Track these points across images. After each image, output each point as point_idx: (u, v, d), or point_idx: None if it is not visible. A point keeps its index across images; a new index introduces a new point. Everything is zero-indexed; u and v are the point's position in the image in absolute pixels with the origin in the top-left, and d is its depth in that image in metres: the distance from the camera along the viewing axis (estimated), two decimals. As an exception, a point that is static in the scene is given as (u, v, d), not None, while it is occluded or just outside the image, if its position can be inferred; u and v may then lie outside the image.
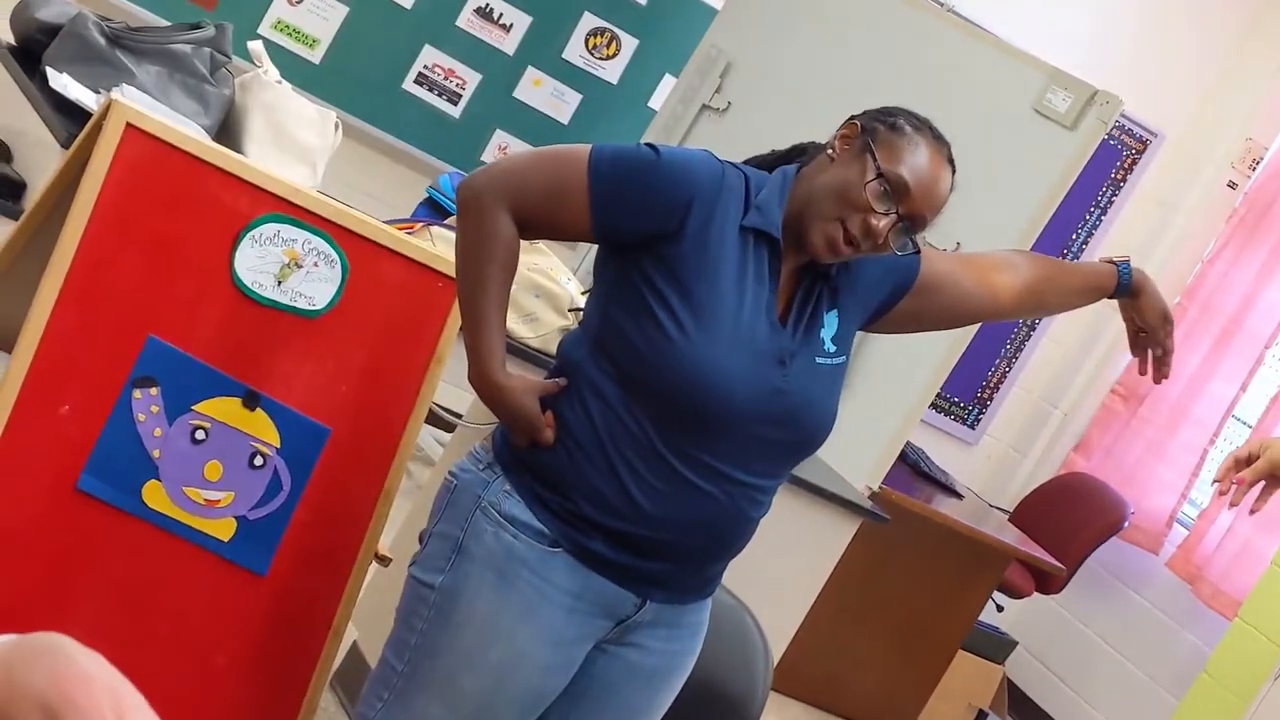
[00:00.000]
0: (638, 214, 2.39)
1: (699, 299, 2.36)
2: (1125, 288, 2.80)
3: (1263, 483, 2.83)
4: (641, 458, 2.39)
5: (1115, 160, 7.03)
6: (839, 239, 2.40)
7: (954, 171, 2.48)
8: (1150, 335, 2.81)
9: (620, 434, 2.39)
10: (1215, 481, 2.91)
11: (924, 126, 2.47)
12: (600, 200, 2.38)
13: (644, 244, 2.39)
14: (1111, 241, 7.14)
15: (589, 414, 2.41)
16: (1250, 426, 6.59)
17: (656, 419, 2.38)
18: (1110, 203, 7.10)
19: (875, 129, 2.45)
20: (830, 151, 2.46)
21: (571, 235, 2.48)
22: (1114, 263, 2.81)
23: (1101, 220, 7.11)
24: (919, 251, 2.52)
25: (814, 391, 2.47)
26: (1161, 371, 2.81)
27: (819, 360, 2.48)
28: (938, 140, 2.47)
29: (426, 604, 2.45)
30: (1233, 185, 6.99)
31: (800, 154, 2.57)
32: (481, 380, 2.43)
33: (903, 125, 2.45)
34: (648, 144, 2.44)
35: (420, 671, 2.45)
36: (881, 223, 2.39)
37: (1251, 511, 2.86)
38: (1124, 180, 7.09)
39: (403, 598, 2.53)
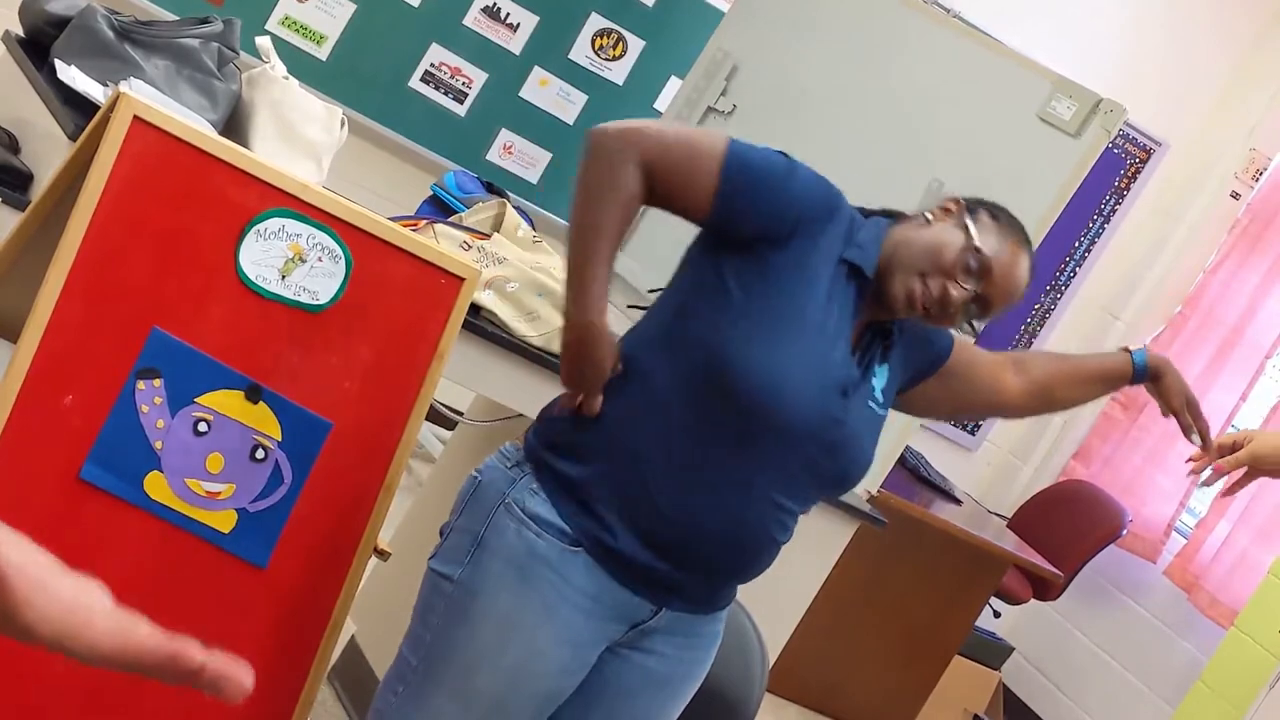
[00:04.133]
0: (756, 212, 2.41)
1: (785, 310, 2.39)
2: (1141, 374, 2.82)
3: (1241, 471, 2.84)
4: (682, 465, 2.40)
5: (1119, 169, 7.04)
6: (918, 294, 2.45)
7: (1030, 280, 2.55)
8: (1177, 418, 2.82)
9: (664, 438, 2.41)
10: (1190, 460, 2.92)
11: (1020, 230, 2.54)
12: (728, 188, 2.40)
13: (748, 243, 2.42)
14: (1114, 250, 7.16)
15: (636, 412, 2.43)
16: (1250, 437, 6.59)
17: (708, 425, 2.39)
18: (1113, 211, 7.11)
19: (978, 210, 2.52)
20: (928, 216, 2.52)
21: (685, 211, 2.46)
22: (1128, 351, 2.84)
23: (1104, 229, 7.13)
24: (977, 335, 2.60)
25: (862, 431, 2.50)
26: (1206, 448, 2.81)
27: (869, 404, 2.52)
28: (1027, 245, 2.53)
29: (443, 597, 2.47)
30: (1236, 195, 7.00)
31: (889, 215, 2.61)
32: (580, 317, 2.41)
33: (1002, 219, 2.52)
34: (779, 152, 2.48)
35: (435, 669, 2.46)
36: (958, 294, 2.45)
37: (1222, 494, 2.87)
38: (1127, 189, 7.10)
39: (420, 594, 2.54)
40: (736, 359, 2.35)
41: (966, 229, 2.47)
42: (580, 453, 2.44)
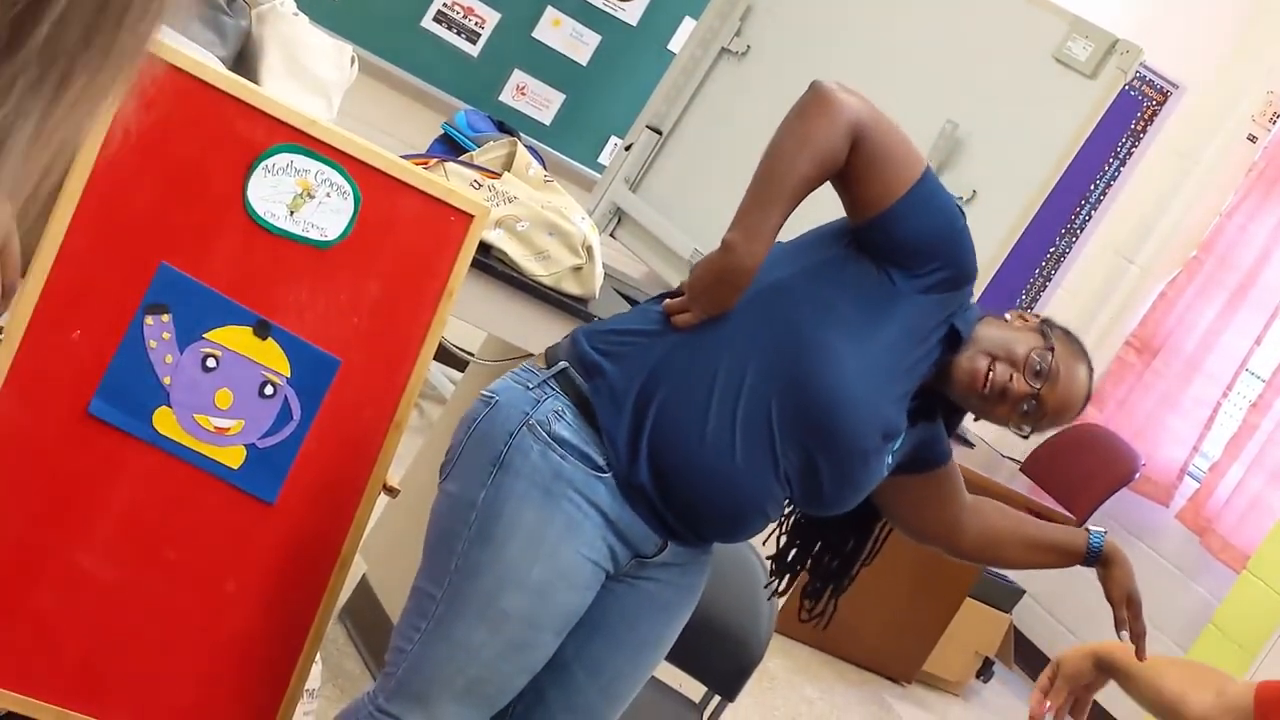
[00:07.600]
0: (918, 238, 2.48)
1: (883, 339, 2.47)
2: (1094, 556, 2.83)
3: (1076, 696, 2.72)
4: (721, 417, 2.45)
5: (1135, 111, 7.00)
6: (983, 373, 2.55)
7: (1084, 407, 2.67)
8: (1114, 611, 2.76)
9: (720, 386, 2.45)
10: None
11: (1087, 358, 2.66)
12: (912, 199, 2.47)
13: (888, 260, 2.48)
14: (1129, 193, 7.12)
15: (707, 352, 2.48)
16: (1264, 380, 6.58)
17: (764, 393, 2.44)
18: (1130, 154, 7.07)
19: (1055, 326, 2.65)
20: (1008, 317, 2.65)
21: (860, 199, 2.51)
22: (1088, 530, 2.86)
23: (1120, 171, 7.09)
24: (1027, 436, 2.67)
25: (872, 478, 2.58)
26: (1139, 652, 2.70)
27: (888, 459, 2.60)
28: (1090, 373, 2.65)
29: (466, 524, 2.48)
30: (1252, 139, 6.96)
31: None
32: (747, 246, 2.44)
33: (1074, 342, 2.65)
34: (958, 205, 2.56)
35: (461, 595, 2.48)
36: (1019, 387, 2.55)
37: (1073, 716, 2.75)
38: (1144, 131, 7.05)
39: (436, 521, 2.55)
40: (817, 354, 2.42)
41: (1044, 335, 2.59)
42: (631, 366, 2.48)
